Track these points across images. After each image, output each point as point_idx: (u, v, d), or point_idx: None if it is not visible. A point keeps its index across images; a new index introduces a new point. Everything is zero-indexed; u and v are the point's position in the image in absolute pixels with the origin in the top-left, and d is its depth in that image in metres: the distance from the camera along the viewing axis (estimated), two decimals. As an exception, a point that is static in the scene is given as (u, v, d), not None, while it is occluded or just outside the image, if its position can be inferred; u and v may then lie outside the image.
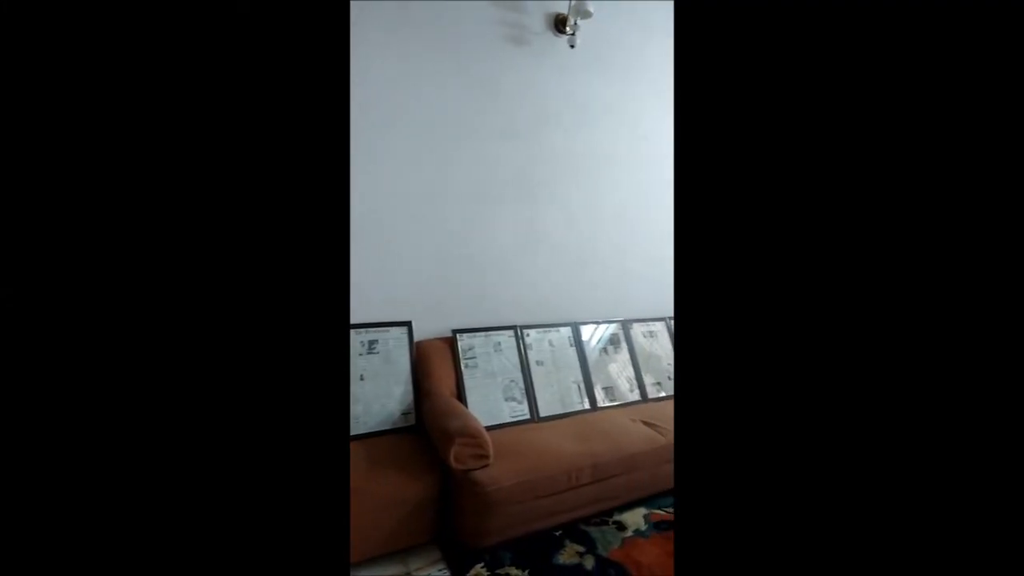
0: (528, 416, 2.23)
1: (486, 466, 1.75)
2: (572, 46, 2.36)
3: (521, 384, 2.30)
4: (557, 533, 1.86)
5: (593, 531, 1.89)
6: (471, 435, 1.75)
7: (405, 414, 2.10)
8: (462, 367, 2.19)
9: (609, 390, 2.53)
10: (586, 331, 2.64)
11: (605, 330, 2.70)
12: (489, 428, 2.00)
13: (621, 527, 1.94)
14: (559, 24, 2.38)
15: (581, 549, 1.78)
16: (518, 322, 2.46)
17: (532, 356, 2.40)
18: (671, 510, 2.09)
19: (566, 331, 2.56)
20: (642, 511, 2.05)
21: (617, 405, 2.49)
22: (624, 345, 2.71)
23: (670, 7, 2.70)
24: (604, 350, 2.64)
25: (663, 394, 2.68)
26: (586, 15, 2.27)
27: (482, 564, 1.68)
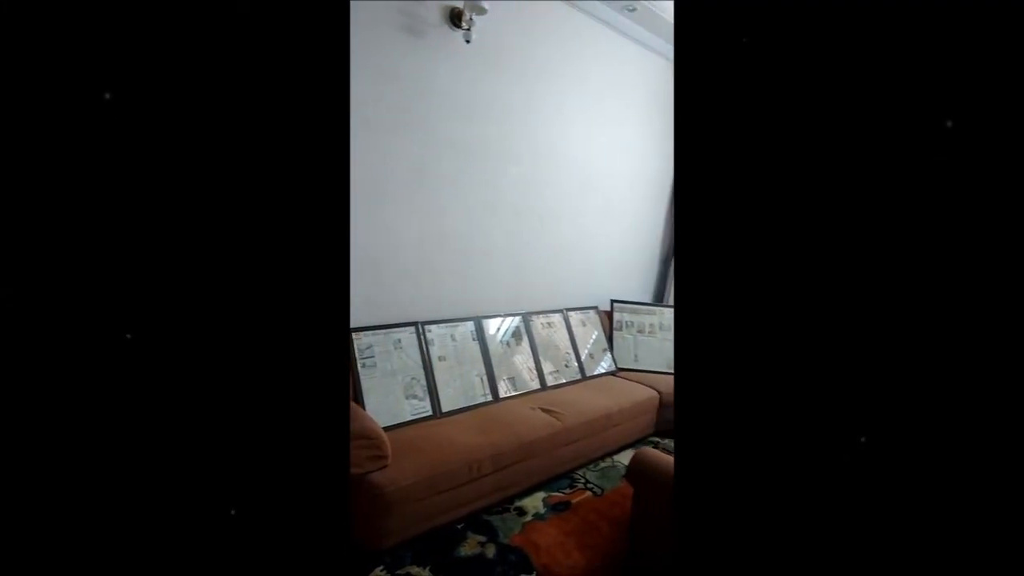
0: (430, 412, 2.21)
1: (384, 467, 1.71)
2: (468, 41, 2.36)
3: (423, 381, 2.27)
4: (459, 526, 1.88)
5: (495, 519, 1.94)
6: (367, 437, 1.69)
7: (296, 420, 1.97)
8: (359, 367, 2.11)
9: (513, 380, 2.61)
10: (492, 324, 2.68)
11: (509, 323, 2.77)
12: (388, 428, 1.96)
13: (521, 512, 2.01)
14: (455, 18, 2.37)
15: (483, 539, 1.82)
16: (419, 318, 2.42)
17: (434, 352, 2.38)
18: (568, 491, 2.22)
19: (469, 325, 2.58)
20: (541, 495, 2.15)
21: (519, 395, 2.57)
22: (525, 337, 2.80)
23: (564, 7, 2.81)
24: (507, 343, 2.70)
25: (562, 380, 2.83)
26: (481, 11, 2.28)
27: (382, 567, 1.64)
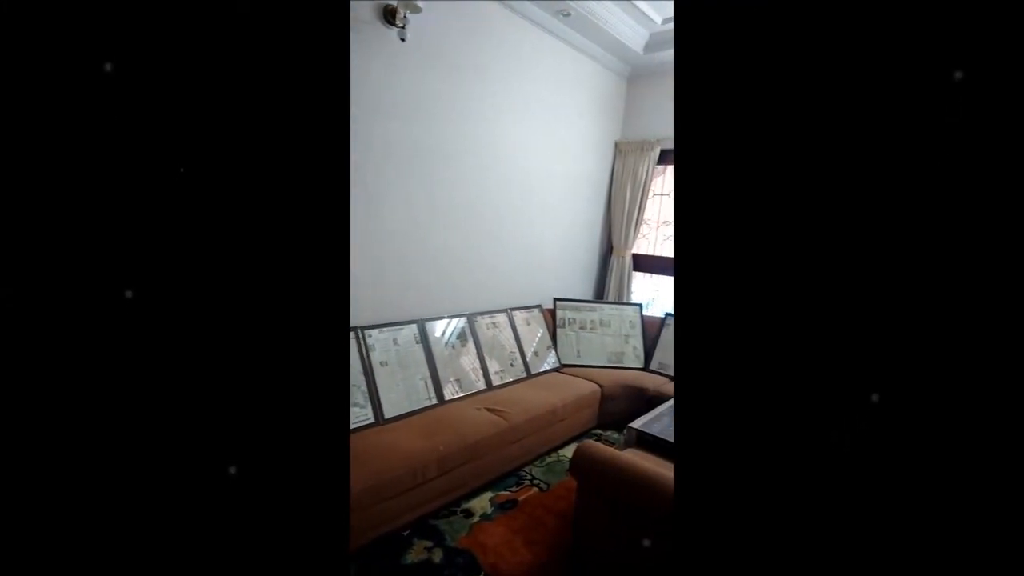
0: (372, 420, 2.16)
1: (323, 479, 1.64)
2: (403, 39, 2.32)
3: (364, 387, 2.21)
4: (405, 533, 1.85)
5: (441, 523, 1.93)
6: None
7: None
8: (294, 377, 2.01)
9: (459, 382, 2.59)
10: (438, 326, 2.65)
11: (455, 324, 2.75)
12: (328, 438, 1.88)
13: (469, 514, 2.01)
14: (389, 15, 2.31)
15: (429, 544, 1.80)
16: (358, 323, 2.35)
17: (375, 357, 2.32)
18: (515, 489, 2.25)
19: (412, 329, 2.54)
20: (488, 495, 2.16)
21: (465, 396, 2.56)
22: (470, 338, 2.80)
23: (500, 9, 2.83)
24: (453, 344, 2.69)
25: (508, 379, 2.85)
26: (415, 9, 2.25)
27: (323, 583, 1.58)
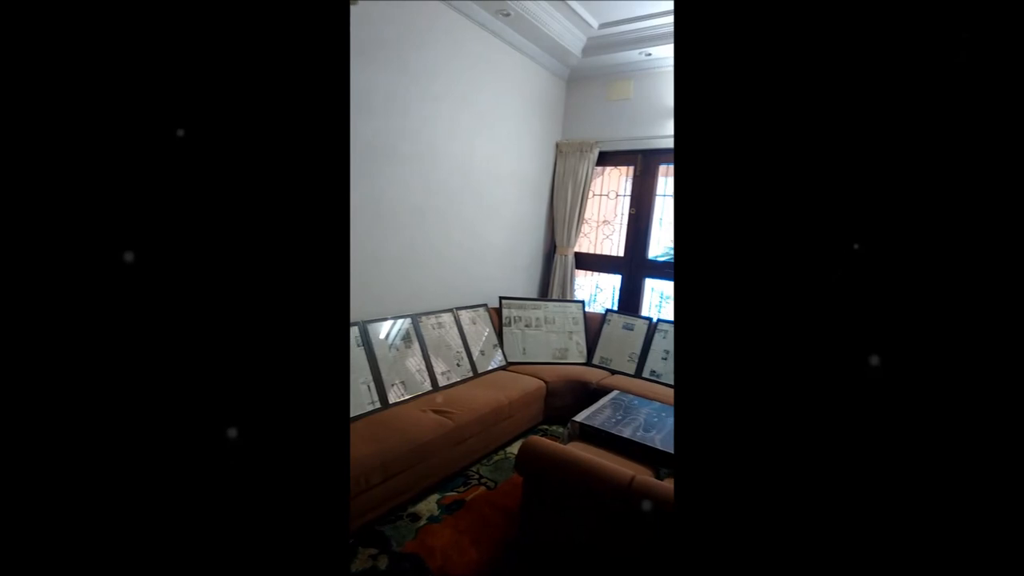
0: (312, 427, 2.07)
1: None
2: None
3: (302, 394, 2.11)
4: (349, 541, 1.79)
5: (387, 529, 1.89)
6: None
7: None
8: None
9: (404, 384, 2.54)
10: (381, 328, 2.58)
11: (399, 325, 2.70)
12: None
13: (415, 518, 1.98)
14: None
15: (374, 551, 1.76)
16: (295, 327, 2.24)
17: (314, 362, 2.22)
18: (462, 489, 2.24)
19: (353, 331, 2.46)
20: (435, 497, 2.14)
21: (411, 398, 2.52)
22: (415, 339, 2.75)
23: (442, 7, 2.80)
24: (396, 346, 2.63)
25: (455, 379, 2.84)
26: (352, 1, 2.17)
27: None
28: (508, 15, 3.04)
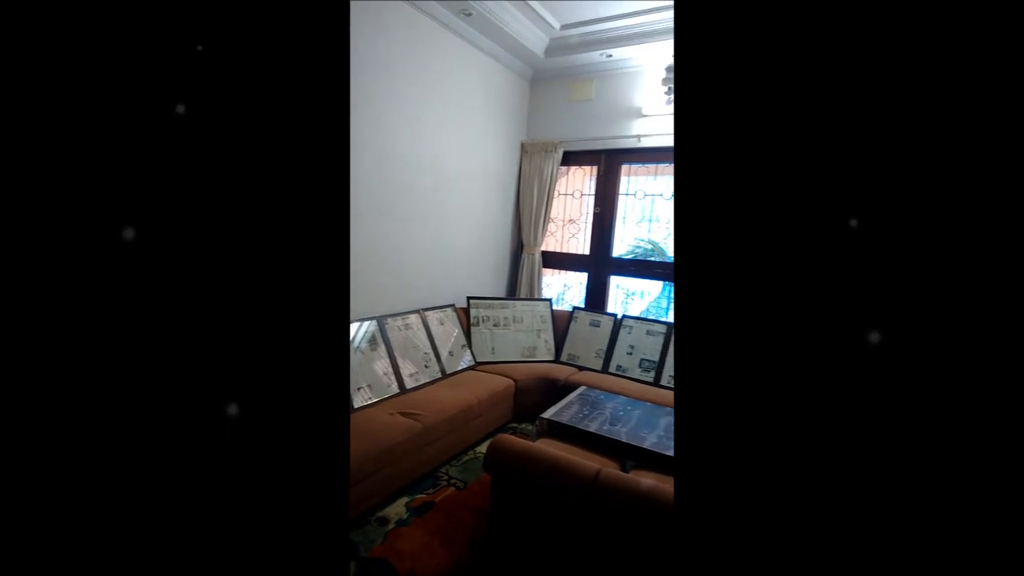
0: (273, 435, 2.01)
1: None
2: None
3: (262, 401, 2.04)
4: (314, 551, 1.75)
5: (355, 535, 1.85)
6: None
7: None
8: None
9: (371, 387, 2.50)
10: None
11: (365, 328, 2.65)
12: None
13: (383, 522, 1.96)
14: None
15: (341, 558, 1.73)
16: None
17: (275, 368, 2.15)
18: (431, 491, 2.23)
19: (315, 335, 2.39)
20: (404, 500, 2.12)
21: (377, 401, 2.48)
22: (381, 341, 2.71)
23: (405, 7, 2.76)
24: (362, 349, 2.58)
25: (423, 380, 2.81)
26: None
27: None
28: (470, 15, 3.03)
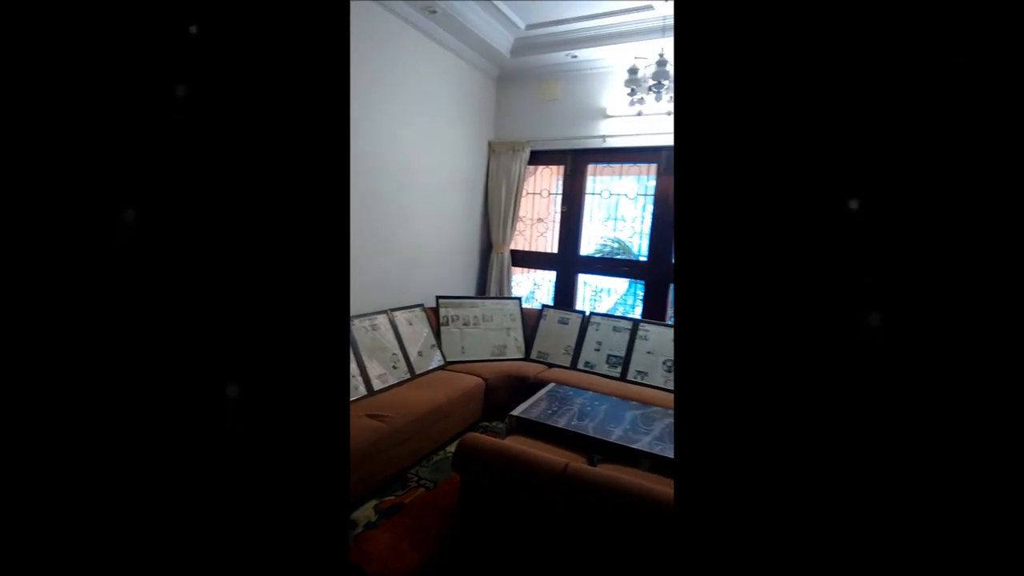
0: (234, 442, 1.94)
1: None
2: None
3: (222, 407, 1.97)
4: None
5: (321, 541, 1.82)
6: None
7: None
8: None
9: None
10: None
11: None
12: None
13: (352, 526, 1.93)
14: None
15: (307, 565, 1.69)
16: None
17: (235, 373, 2.09)
18: (400, 493, 2.21)
19: (278, 338, 2.33)
20: (372, 503, 2.09)
21: (344, 405, 2.43)
22: (348, 342, 2.66)
23: (371, 6, 2.71)
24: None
25: (391, 382, 2.78)
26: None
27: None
28: (435, 12, 3.01)
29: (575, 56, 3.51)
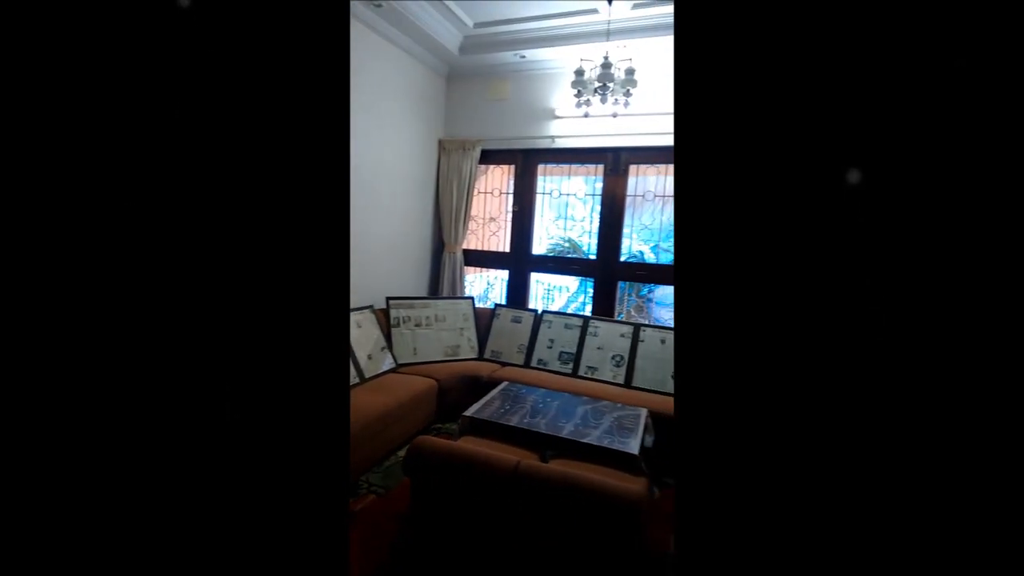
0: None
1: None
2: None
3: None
4: None
5: (264, 557, 1.73)
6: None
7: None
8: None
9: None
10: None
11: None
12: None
13: (297, 539, 1.84)
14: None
15: (248, 583, 1.60)
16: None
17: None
18: (351, 500, 2.14)
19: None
20: (320, 513, 2.01)
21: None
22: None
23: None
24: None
25: (355, 381, 2.69)
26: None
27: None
28: (380, 6, 2.94)
29: (523, 56, 3.54)
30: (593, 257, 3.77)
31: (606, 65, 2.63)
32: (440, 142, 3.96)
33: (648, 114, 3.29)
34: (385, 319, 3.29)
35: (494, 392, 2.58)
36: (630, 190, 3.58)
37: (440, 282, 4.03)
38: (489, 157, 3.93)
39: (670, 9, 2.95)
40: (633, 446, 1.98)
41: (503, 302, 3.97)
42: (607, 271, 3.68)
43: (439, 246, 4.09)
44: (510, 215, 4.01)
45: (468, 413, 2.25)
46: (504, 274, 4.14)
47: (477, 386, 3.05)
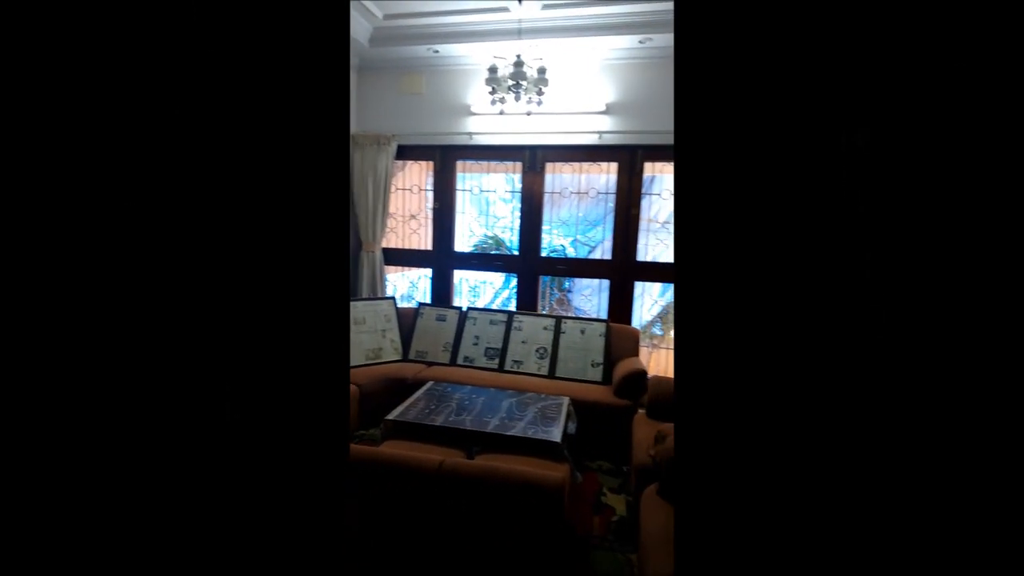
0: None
1: None
2: None
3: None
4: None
5: None
6: None
7: None
8: None
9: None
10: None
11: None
12: None
13: (203, 570, 1.69)
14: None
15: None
16: None
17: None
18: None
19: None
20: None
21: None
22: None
23: None
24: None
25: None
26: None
27: None
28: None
29: (436, 51, 3.49)
30: (516, 253, 3.83)
31: (518, 64, 2.67)
32: (353, 136, 3.79)
33: (561, 113, 3.39)
34: (299, 325, 3.10)
35: (419, 393, 2.54)
36: (548, 187, 3.67)
37: (359, 283, 3.87)
38: (406, 153, 3.83)
39: (579, 12, 3.06)
40: (555, 434, 2.05)
41: (427, 301, 3.91)
42: (529, 266, 3.75)
43: (357, 245, 3.93)
44: (431, 212, 3.95)
45: (391, 417, 2.19)
46: (428, 272, 4.08)
47: (402, 388, 2.98)
